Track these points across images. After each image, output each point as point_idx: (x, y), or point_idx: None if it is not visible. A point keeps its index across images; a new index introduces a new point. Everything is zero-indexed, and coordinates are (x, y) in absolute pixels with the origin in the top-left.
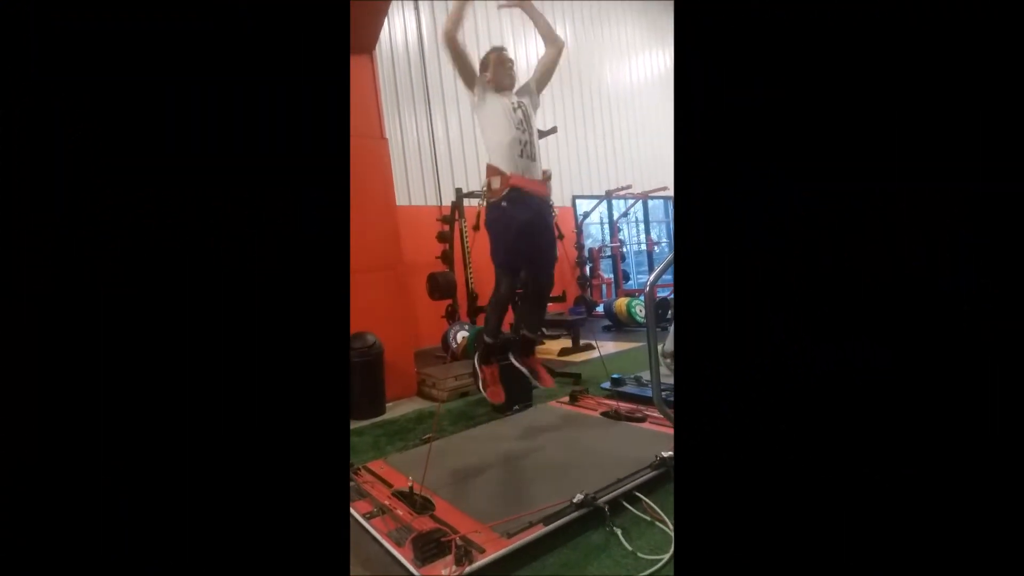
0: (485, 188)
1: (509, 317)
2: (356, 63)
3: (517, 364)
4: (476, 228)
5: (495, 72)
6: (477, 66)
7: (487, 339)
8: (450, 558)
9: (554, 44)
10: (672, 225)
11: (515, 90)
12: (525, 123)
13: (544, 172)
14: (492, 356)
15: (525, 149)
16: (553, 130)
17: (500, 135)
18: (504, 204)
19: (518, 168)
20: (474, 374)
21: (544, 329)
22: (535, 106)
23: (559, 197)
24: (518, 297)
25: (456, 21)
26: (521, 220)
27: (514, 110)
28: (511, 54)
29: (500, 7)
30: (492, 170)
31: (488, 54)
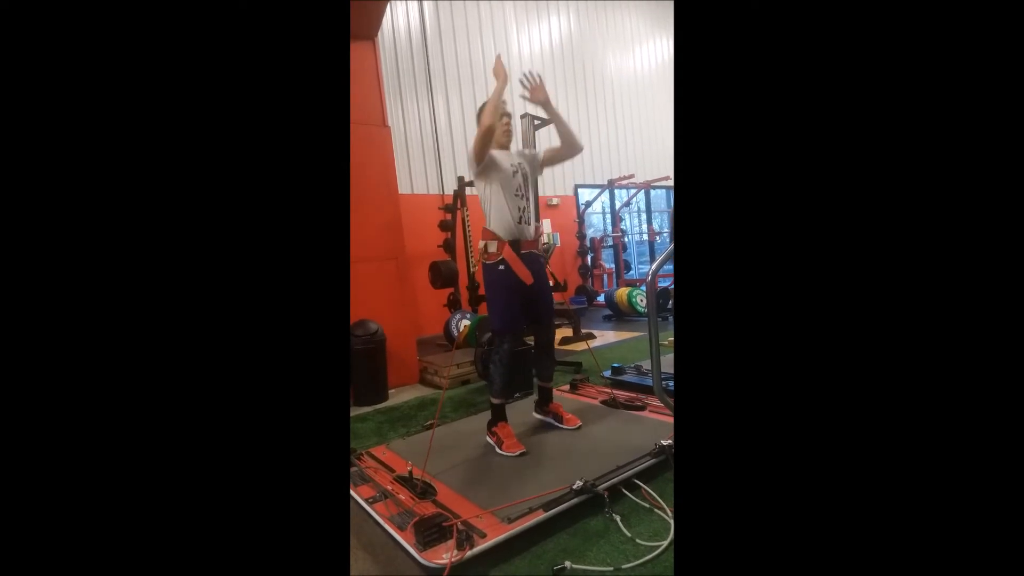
0: (481, 250)
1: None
2: (358, 50)
3: (538, 416)
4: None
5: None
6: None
7: (495, 400)
8: (451, 542)
9: (571, 149)
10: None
11: (520, 151)
12: (523, 188)
13: (539, 231)
14: (504, 416)
15: (523, 216)
16: None
17: (498, 204)
18: (501, 267)
19: (514, 234)
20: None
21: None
22: (536, 172)
23: (562, 186)
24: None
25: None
26: (518, 280)
27: (514, 174)
28: (516, 47)
29: (523, 99)
30: (488, 234)
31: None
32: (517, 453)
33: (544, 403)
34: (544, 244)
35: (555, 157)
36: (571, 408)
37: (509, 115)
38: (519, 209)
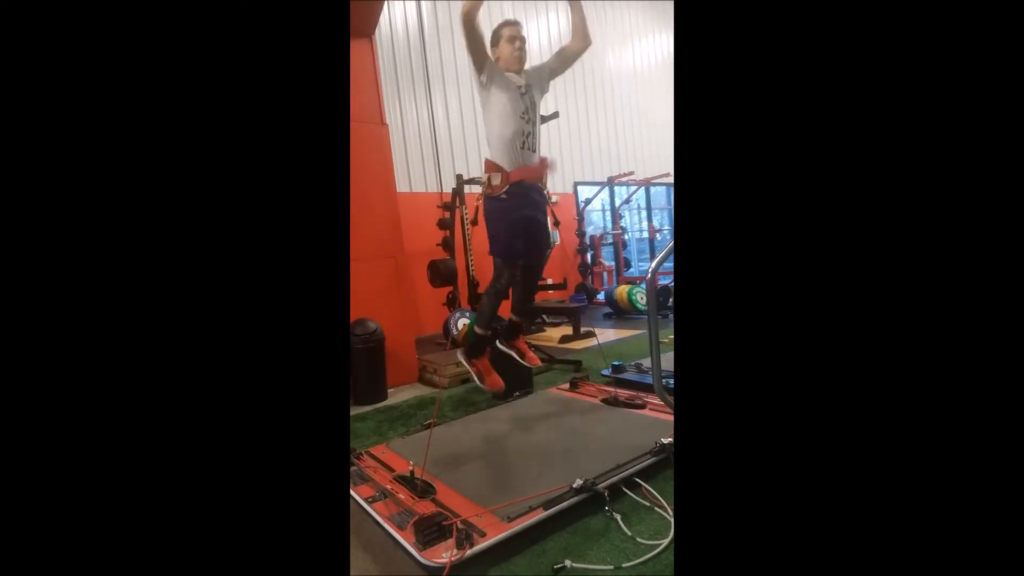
0: (484, 183)
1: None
2: (356, 47)
3: (502, 347)
4: (474, 223)
5: (504, 50)
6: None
7: (479, 331)
8: (451, 541)
9: (583, 40)
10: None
11: (525, 71)
12: (530, 112)
13: (543, 160)
14: (483, 348)
15: (527, 141)
16: (555, 115)
17: (503, 127)
18: (504, 197)
19: (518, 161)
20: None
21: (545, 316)
22: (543, 92)
23: (561, 183)
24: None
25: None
26: (521, 214)
27: (522, 95)
28: (524, 32)
29: None
30: (491, 166)
31: (499, 28)
32: (498, 389)
33: (510, 336)
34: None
35: (564, 60)
36: (571, 405)
37: (523, 39)
38: (523, 134)
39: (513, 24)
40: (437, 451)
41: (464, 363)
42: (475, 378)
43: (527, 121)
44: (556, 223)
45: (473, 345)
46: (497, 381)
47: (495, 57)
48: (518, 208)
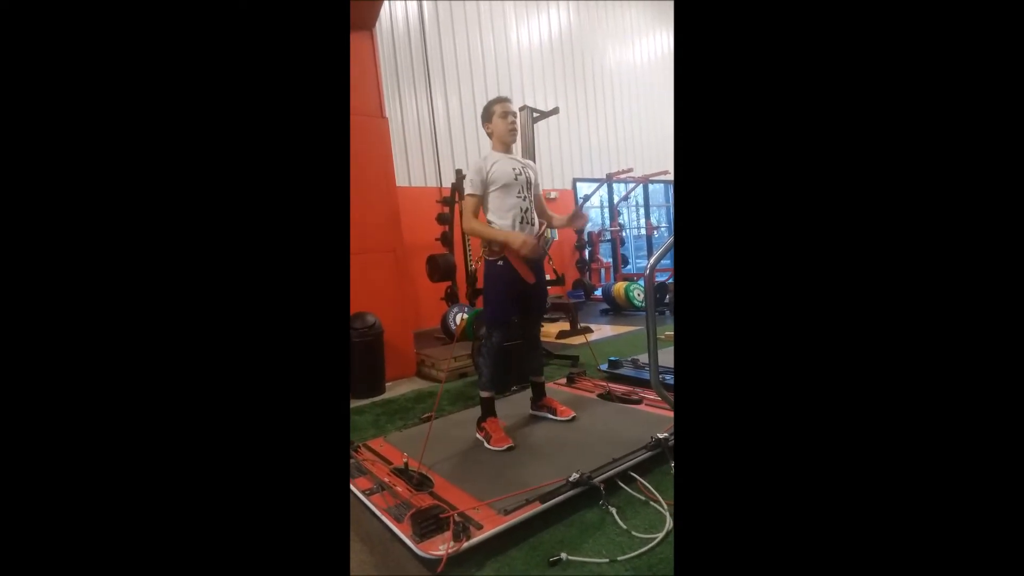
0: (485, 247)
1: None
2: (356, 40)
3: (534, 412)
4: (475, 282)
5: (498, 125)
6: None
7: (483, 394)
8: (448, 534)
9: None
10: (672, 210)
11: (520, 157)
12: (525, 190)
13: (541, 229)
14: (491, 410)
15: (525, 216)
16: (555, 111)
17: (499, 203)
18: (501, 263)
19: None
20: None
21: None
22: (537, 177)
23: (560, 180)
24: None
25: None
26: (516, 278)
27: (516, 177)
28: (515, 39)
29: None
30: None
31: (491, 105)
32: (504, 448)
33: (538, 398)
34: (543, 239)
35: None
36: (567, 400)
37: (515, 113)
38: (521, 210)
39: (504, 100)
40: (435, 444)
41: (477, 433)
42: (484, 441)
43: (523, 199)
44: (555, 280)
45: (483, 411)
46: (503, 440)
47: (488, 132)
48: (514, 271)
